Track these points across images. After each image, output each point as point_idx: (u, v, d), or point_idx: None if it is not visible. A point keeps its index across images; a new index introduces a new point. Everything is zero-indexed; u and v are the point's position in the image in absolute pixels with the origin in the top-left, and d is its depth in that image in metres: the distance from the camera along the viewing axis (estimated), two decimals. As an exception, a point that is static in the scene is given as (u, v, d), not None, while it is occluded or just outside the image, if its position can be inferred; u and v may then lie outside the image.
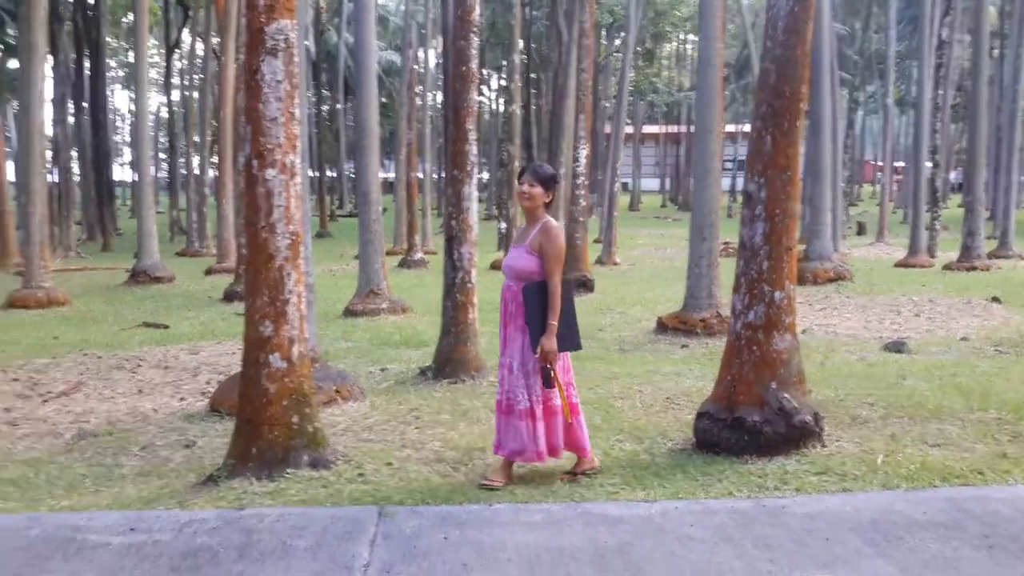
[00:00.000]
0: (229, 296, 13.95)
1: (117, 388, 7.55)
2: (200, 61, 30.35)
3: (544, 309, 4.43)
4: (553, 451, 4.57)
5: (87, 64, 32.81)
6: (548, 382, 4.46)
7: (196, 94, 29.79)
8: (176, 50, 37.04)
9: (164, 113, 43.73)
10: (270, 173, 4.72)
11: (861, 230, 29.60)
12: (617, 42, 40.89)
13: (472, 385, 7.23)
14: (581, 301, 13.02)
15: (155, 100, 50.77)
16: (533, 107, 39.76)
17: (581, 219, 14.60)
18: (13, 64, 33.53)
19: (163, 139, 52.08)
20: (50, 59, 25.62)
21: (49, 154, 24.45)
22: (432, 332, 7.77)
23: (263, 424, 4.73)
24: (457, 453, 5.19)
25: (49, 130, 24.48)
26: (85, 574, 3.42)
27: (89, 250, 27.41)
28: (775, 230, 4.98)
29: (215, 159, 25.22)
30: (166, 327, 11.15)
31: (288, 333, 4.79)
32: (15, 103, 34.40)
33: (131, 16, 37.19)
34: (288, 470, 4.65)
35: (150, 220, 17.54)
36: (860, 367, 7.70)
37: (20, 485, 4.91)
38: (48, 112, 21.00)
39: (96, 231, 31.61)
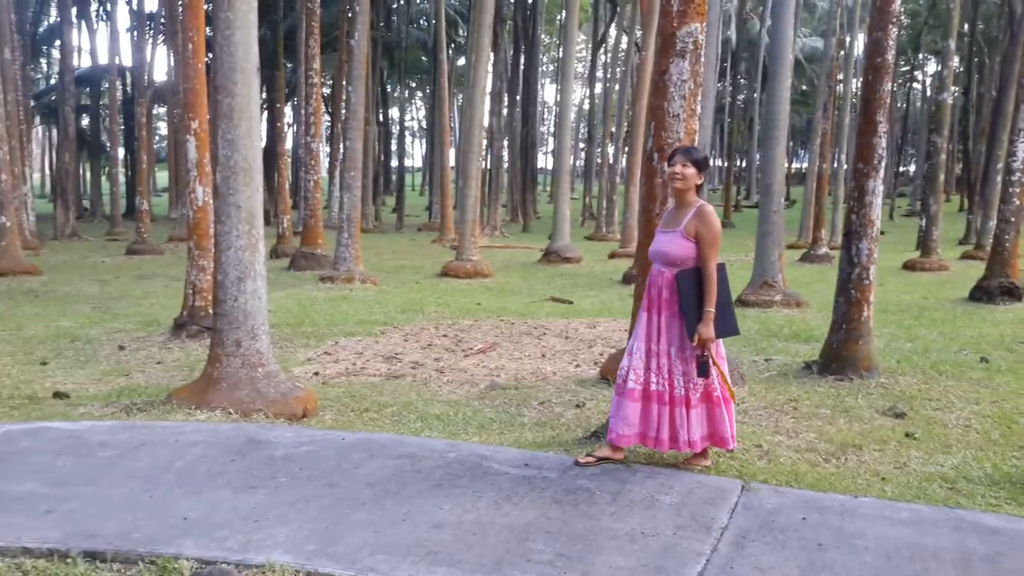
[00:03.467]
0: (628, 279, 14.78)
1: (525, 351, 8.52)
2: (623, 55, 31.87)
3: (700, 296, 4.30)
4: (722, 442, 4.49)
5: (522, 60, 36.10)
6: (704, 371, 4.32)
7: (617, 87, 31.35)
8: (602, 45, 39.33)
9: (587, 105, 46.63)
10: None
11: None
12: (1084, 19, 35.38)
13: (859, 384, 7.02)
14: (1005, 311, 11.78)
15: (579, 93, 54.24)
16: (975, 95, 35.98)
17: (1012, 220, 13.08)
18: (461, 61, 38.05)
19: (583, 130, 55.54)
20: (491, 56, 28.73)
21: (484, 142, 27.52)
22: (825, 328, 7.66)
23: (644, 393, 5.14)
24: (831, 447, 5.18)
25: (486, 121, 27.55)
26: (486, 492, 4.09)
27: (511, 230, 30.38)
28: None
29: (628, 149, 26.48)
30: (570, 302, 12.17)
31: (673, 311, 5.14)
32: (460, 96, 39.01)
33: (564, 14, 40.32)
34: (663, 437, 5.01)
35: (565, 205, 19.08)
36: None
37: (443, 420, 5.87)
38: (486, 104, 23.64)
39: (518, 213, 34.88)
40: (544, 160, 69.18)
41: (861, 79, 8.09)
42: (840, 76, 25.25)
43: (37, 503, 3.95)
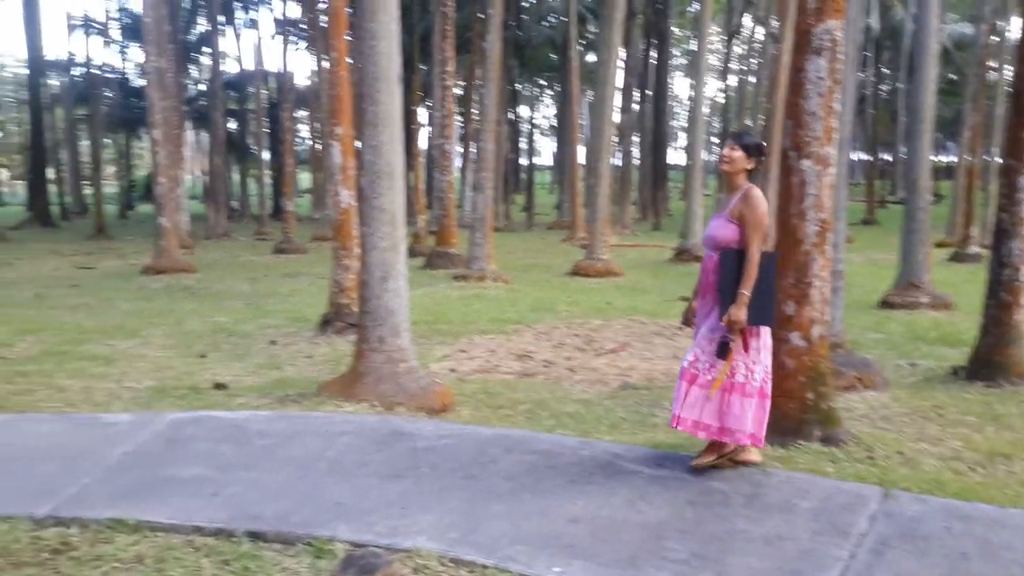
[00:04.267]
0: (764, 277, 14.45)
1: (656, 351, 8.53)
2: (759, 46, 31.18)
3: (739, 278, 4.20)
4: (727, 433, 4.35)
5: (653, 54, 35.78)
6: (723, 352, 4.22)
7: (752, 79, 30.70)
8: (736, 36, 38.53)
9: (720, 99, 45.80)
10: (805, 164, 5.04)
11: None
12: None
13: (1012, 391, 6.70)
14: None
15: (712, 86, 53.30)
16: None
17: None
18: (591, 57, 38.06)
19: (717, 124, 54.49)
20: (622, 51, 28.63)
21: (614, 139, 27.45)
22: (974, 332, 7.35)
23: (779, 396, 5.10)
24: (978, 455, 5.00)
25: (616, 117, 27.46)
26: (620, 490, 4.18)
27: (641, 228, 30.17)
28: None
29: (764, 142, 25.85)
30: (702, 301, 12.04)
31: (809, 314, 5.08)
32: (590, 92, 39.04)
33: (696, 6, 39.77)
34: (799, 441, 4.97)
35: (697, 202, 18.85)
36: None
37: (575, 418, 5.99)
38: (616, 100, 23.58)
39: (649, 211, 34.58)
40: (675, 156, 68.23)
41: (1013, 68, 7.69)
42: (992, 64, 23.83)
43: (204, 486, 4.30)
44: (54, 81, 41.46)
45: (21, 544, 3.67)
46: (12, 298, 12.57)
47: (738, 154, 4.43)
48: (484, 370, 7.74)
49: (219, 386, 6.80)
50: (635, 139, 36.02)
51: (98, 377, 7.24)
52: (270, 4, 36.95)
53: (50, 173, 39.33)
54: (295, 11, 34.08)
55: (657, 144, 35.88)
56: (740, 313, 4.22)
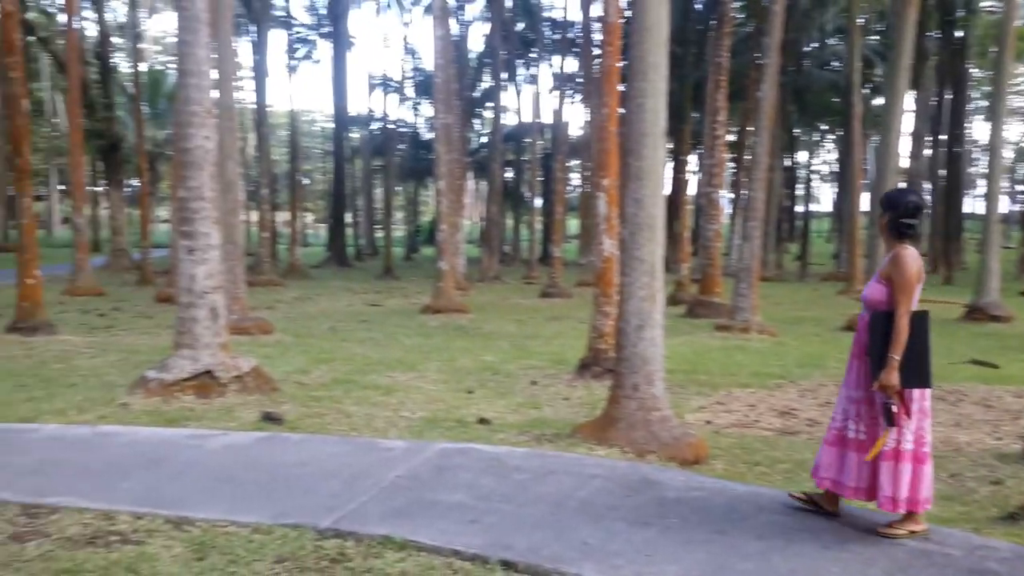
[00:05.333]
0: (1072, 342, 12.91)
1: (936, 417, 7.81)
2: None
3: (888, 341, 3.93)
4: (912, 503, 4.27)
5: (948, 97, 33.30)
6: (889, 419, 4.12)
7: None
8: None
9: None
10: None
11: None
12: None
13: None
14: None
15: (1017, 129, 48.55)
16: None
17: None
18: (877, 101, 36.08)
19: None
20: (912, 94, 26.94)
21: (901, 186, 25.76)
22: None
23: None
24: None
25: (904, 163, 25.80)
26: (880, 560, 3.95)
27: (931, 282, 27.78)
28: None
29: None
30: (996, 367, 10.96)
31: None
32: (875, 138, 36.94)
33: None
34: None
35: (994, 256, 17.23)
36: None
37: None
38: (905, 146, 22.20)
39: (940, 264, 31.99)
40: (972, 205, 62.52)
41: None
42: None
43: (465, 513, 4.59)
44: (355, 134, 46.04)
45: (306, 551, 4.12)
46: (311, 330, 14.04)
47: (879, 212, 4.42)
48: (742, 424, 7.58)
49: (483, 421, 7.21)
50: (927, 186, 33.58)
51: (379, 405, 7.92)
52: (550, 60, 38.66)
53: (348, 217, 43.55)
54: (573, 65, 35.45)
55: (951, 192, 33.22)
56: (891, 377, 4.10)
